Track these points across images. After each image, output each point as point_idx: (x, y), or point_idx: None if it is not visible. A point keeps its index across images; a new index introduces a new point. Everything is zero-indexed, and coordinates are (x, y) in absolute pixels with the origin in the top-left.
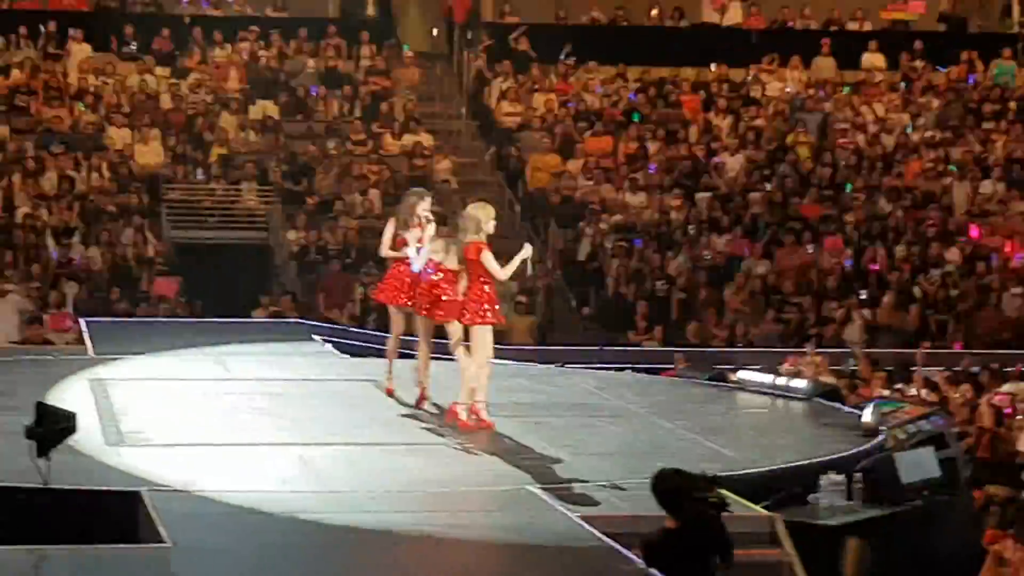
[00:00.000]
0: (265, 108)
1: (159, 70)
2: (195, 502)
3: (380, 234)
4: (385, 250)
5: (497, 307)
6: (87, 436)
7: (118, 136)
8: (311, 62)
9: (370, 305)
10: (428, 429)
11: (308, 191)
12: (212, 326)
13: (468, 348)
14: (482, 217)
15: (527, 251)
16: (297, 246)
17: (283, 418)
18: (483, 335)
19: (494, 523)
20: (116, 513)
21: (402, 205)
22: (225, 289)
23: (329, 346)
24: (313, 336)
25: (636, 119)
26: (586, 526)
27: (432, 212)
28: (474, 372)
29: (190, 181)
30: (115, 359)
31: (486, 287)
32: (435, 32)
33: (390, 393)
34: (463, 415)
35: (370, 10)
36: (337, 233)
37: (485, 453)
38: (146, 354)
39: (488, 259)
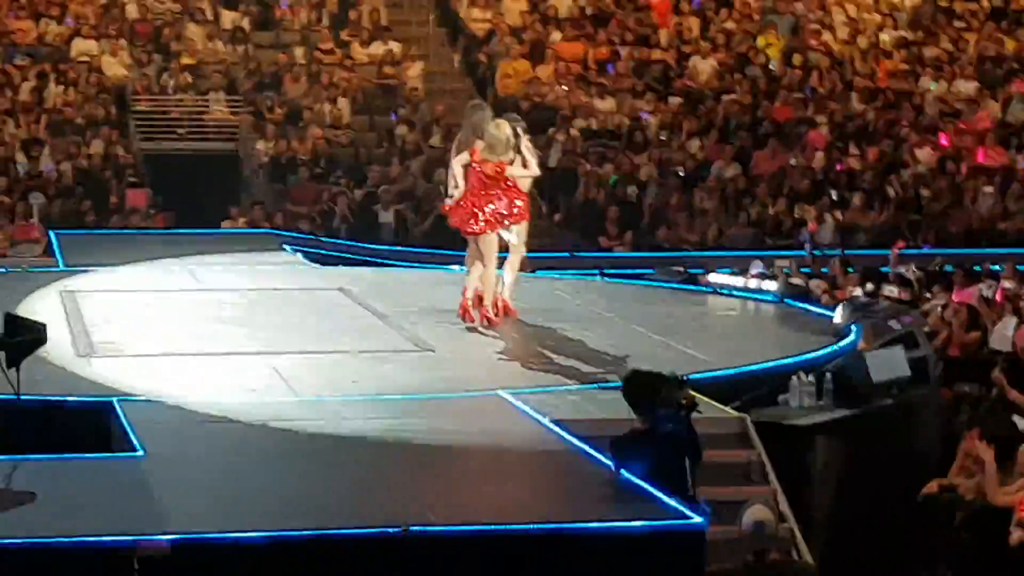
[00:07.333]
0: (233, 18)
1: None
2: (167, 411)
3: (351, 143)
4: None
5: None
6: (58, 347)
7: (84, 47)
8: None
9: (337, 212)
10: (399, 336)
11: (277, 101)
12: (183, 237)
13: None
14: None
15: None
16: (266, 156)
17: (254, 327)
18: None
19: (466, 429)
20: (88, 423)
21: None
22: (196, 200)
23: (299, 255)
24: (284, 246)
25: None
26: (557, 430)
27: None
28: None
29: (158, 92)
30: (85, 271)
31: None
32: None
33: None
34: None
35: None
36: (306, 142)
37: (456, 360)
38: (117, 265)
39: (515, 170)
